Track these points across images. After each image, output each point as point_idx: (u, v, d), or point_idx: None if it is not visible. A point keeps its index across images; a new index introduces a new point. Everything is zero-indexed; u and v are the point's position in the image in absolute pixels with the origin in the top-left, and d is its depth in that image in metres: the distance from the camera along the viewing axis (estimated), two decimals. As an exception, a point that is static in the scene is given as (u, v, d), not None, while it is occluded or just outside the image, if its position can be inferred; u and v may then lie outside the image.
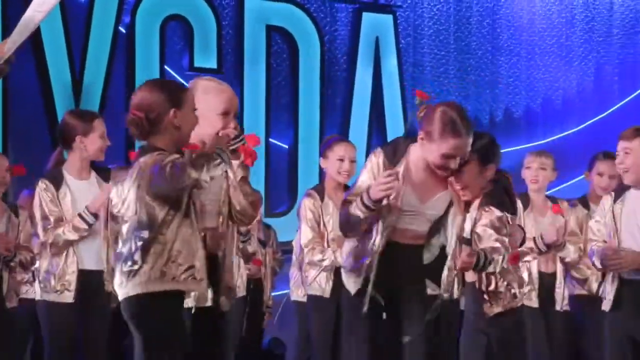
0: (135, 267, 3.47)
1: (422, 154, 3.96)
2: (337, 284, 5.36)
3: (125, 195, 3.52)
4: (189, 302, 3.63)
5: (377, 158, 4.03)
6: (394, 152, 4.01)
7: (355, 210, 3.95)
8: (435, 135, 3.89)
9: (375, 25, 8.86)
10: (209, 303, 3.71)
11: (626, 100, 10.31)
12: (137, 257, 3.47)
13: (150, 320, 3.48)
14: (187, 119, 3.56)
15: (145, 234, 3.47)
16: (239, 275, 5.37)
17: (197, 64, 8.01)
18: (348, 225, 4.03)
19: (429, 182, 4.03)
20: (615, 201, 4.42)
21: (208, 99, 3.71)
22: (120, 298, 3.55)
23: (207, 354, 3.74)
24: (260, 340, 7.25)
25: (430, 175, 4.01)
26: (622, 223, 4.36)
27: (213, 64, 8.06)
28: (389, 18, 8.93)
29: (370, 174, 4.01)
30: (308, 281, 5.48)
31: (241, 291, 5.45)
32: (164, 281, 3.46)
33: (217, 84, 3.83)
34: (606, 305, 4.42)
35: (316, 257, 5.36)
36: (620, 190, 4.47)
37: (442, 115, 3.87)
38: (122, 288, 3.52)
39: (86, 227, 4.92)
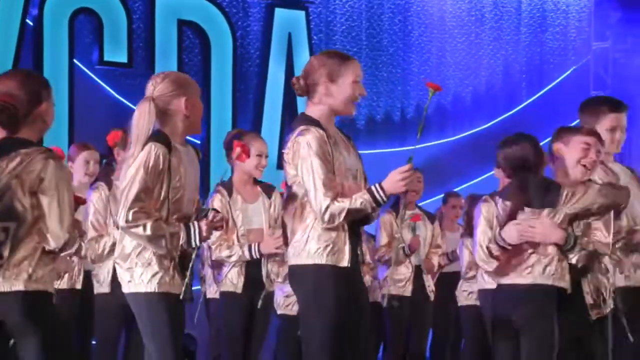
0: (1, 261, 3.38)
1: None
2: (249, 279, 5.34)
3: None
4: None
5: (319, 140, 3.85)
6: (321, 127, 3.90)
7: (359, 205, 3.80)
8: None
9: (288, 21, 8.86)
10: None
11: (533, 98, 10.52)
12: (4, 251, 3.38)
13: (35, 319, 3.40)
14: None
15: (13, 225, 3.39)
16: None
17: (107, 58, 7.91)
18: (335, 223, 3.84)
19: (340, 136, 4.01)
20: None
21: (193, 89, 3.94)
22: None
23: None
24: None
25: (337, 130, 4.01)
26: None
27: (123, 58, 7.96)
28: (301, 14, 8.94)
29: (324, 159, 3.83)
30: (220, 278, 5.45)
31: None
32: (30, 281, 3.39)
33: (180, 73, 4.09)
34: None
35: (223, 253, 5.32)
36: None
37: None
38: None
39: None
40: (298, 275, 3.96)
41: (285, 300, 5.97)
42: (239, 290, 5.37)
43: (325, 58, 4.02)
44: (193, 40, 8.44)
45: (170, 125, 3.89)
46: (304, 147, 3.85)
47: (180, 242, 3.79)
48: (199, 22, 8.40)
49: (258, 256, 5.29)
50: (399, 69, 9.65)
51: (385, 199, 3.83)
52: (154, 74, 8.25)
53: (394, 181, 3.82)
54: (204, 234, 3.82)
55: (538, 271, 4.33)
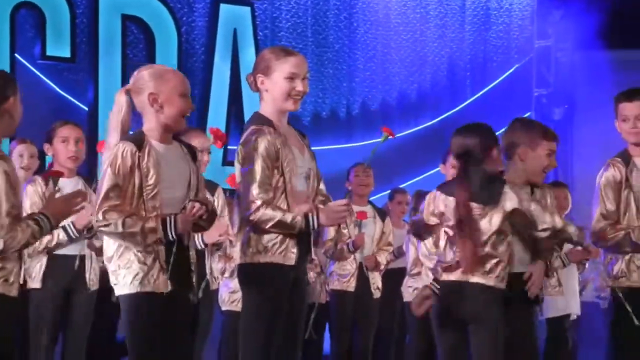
0: None
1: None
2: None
3: None
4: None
5: (267, 142, 3.85)
6: (273, 126, 3.92)
7: (289, 221, 3.81)
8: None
9: (233, 17, 8.82)
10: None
11: (477, 95, 10.61)
12: None
13: None
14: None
15: None
16: (92, 269, 5.27)
17: (49, 53, 7.80)
18: (260, 228, 3.85)
19: (294, 135, 4.02)
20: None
21: (167, 82, 3.85)
22: None
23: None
24: (115, 333, 7.11)
25: (289, 129, 4.02)
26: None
27: (66, 53, 7.86)
28: (247, 10, 8.91)
29: (267, 161, 3.84)
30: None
31: (95, 284, 5.35)
32: None
33: (167, 67, 3.98)
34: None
35: None
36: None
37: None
38: None
39: None
40: (243, 273, 3.96)
41: (230, 297, 5.94)
42: (183, 285, 5.34)
43: (266, 53, 4.04)
44: (137, 35, 8.36)
45: (147, 119, 3.86)
46: (251, 147, 3.86)
47: (158, 236, 3.74)
48: (144, 17, 8.32)
49: (203, 246, 5.26)
50: (345, 66, 9.66)
51: (316, 227, 3.84)
52: (97, 69, 8.22)
53: (330, 214, 3.84)
54: (180, 226, 3.76)
55: (498, 274, 4.33)
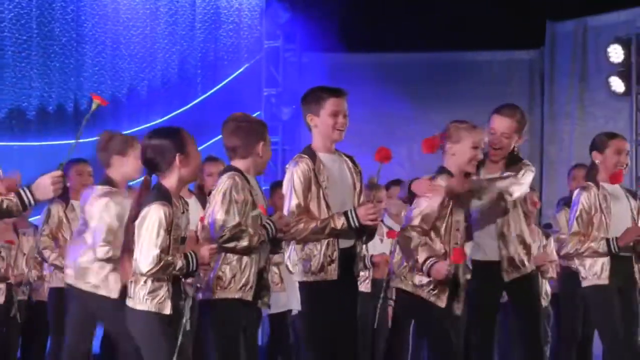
0: None
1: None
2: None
3: None
4: None
5: None
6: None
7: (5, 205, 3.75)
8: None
9: (-50, 4, 8.36)
10: None
11: (208, 93, 10.67)
12: None
13: None
14: None
15: None
16: None
17: None
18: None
19: None
20: None
21: None
22: None
23: None
24: None
25: None
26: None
27: None
28: (-35, -2, 8.47)
29: None
30: None
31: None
32: None
33: None
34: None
35: None
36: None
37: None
38: None
39: None
40: None
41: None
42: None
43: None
44: None
45: None
46: None
47: None
48: None
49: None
50: (72, 60, 9.41)
51: (32, 202, 3.75)
52: None
53: (44, 185, 3.76)
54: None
55: None
